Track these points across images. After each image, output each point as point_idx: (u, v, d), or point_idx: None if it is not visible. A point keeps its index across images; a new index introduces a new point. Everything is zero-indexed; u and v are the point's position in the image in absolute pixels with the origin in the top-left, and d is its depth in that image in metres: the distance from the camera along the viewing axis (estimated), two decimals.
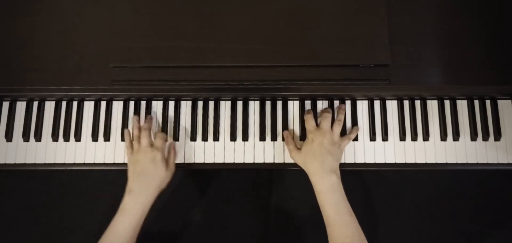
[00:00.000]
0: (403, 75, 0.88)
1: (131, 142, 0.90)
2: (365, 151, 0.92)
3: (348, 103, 0.94)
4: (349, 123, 0.93)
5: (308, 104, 0.94)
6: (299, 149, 0.88)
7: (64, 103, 0.95)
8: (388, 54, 0.86)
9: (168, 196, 0.98)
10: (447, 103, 0.94)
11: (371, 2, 0.89)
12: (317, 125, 0.90)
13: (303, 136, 0.92)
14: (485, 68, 0.88)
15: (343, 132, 0.92)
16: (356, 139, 0.92)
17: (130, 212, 0.80)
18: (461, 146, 0.92)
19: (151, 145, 0.87)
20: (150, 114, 0.94)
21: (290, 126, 0.94)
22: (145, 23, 0.89)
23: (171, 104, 0.95)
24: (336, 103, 0.94)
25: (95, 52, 0.90)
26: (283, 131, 0.92)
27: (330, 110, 0.91)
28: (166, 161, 0.87)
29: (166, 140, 0.89)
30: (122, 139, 0.93)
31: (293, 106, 0.95)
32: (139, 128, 0.90)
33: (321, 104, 0.95)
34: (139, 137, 0.88)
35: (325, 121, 0.88)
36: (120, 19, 0.89)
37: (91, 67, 0.89)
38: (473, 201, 0.98)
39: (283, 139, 0.92)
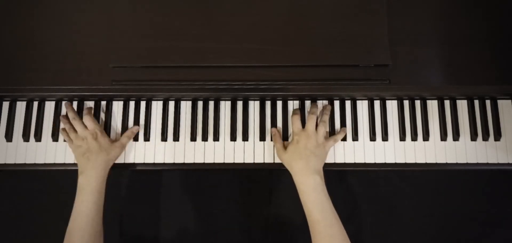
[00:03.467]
0: (403, 75, 0.88)
1: (68, 135, 0.91)
2: (365, 151, 0.92)
3: (348, 103, 0.94)
4: (349, 123, 0.93)
5: (308, 104, 0.94)
6: (285, 149, 0.88)
7: (64, 103, 0.95)
8: (388, 54, 0.87)
9: (168, 196, 0.98)
10: (447, 103, 0.94)
11: (371, 2, 0.89)
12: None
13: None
14: (485, 68, 0.88)
15: (346, 130, 0.92)
16: (356, 139, 0.92)
17: (86, 189, 0.83)
18: (461, 146, 0.92)
19: (86, 128, 0.89)
20: (151, 114, 0.94)
21: (290, 126, 0.94)
22: (145, 23, 0.89)
23: (171, 104, 0.95)
24: (336, 103, 0.94)
25: (95, 52, 0.90)
26: (271, 128, 0.92)
27: (316, 110, 0.91)
28: (114, 138, 0.90)
29: (94, 119, 0.91)
30: None
31: (293, 106, 0.95)
32: (68, 120, 0.92)
33: (321, 104, 0.95)
34: (72, 127, 0.90)
35: (310, 122, 0.88)
36: (120, 19, 0.89)
37: (91, 67, 0.89)
38: (473, 201, 0.98)
39: (272, 137, 0.92)
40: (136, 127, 0.93)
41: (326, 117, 0.91)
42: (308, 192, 0.82)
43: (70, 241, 0.79)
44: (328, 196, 0.82)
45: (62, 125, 0.93)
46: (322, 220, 0.79)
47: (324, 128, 0.89)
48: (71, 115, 0.91)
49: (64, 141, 0.93)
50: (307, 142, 0.86)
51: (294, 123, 0.90)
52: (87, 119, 0.90)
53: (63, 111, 0.94)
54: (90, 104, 0.95)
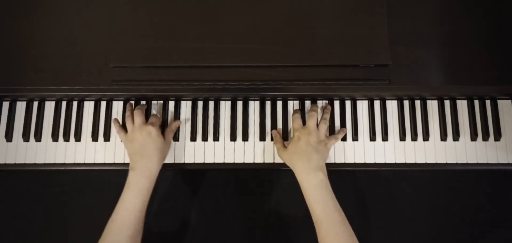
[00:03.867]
0: (403, 75, 0.88)
1: (120, 127, 0.91)
2: (365, 151, 0.92)
3: (348, 103, 0.94)
4: (349, 123, 0.93)
5: (308, 104, 0.94)
6: (286, 147, 0.88)
7: (64, 103, 0.95)
8: (388, 54, 0.87)
9: (168, 196, 0.98)
10: (447, 103, 0.94)
11: (371, 2, 0.89)
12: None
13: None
14: (485, 68, 0.88)
15: (342, 131, 0.92)
16: (356, 139, 0.92)
17: (135, 186, 0.82)
18: (461, 146, 0.92)
19: (144, 122, 0.88)
20: (152, 114, 0.94)
21: (290, 126, 0.94)
22: (145, 23, 0.89)
23: (171, 104, 0.95)
24: (336, 103, 0.94)
25: (95, 52, 0.90)
26: (271, 130, 0.92)
27: (316, 108, 0.91)
28: (163, 133, 0.89)
29: (155, 115, 0.91)
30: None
31: (293, 106, 0.95)
32: (131, 110, 0.92)
33: (321, 104, 0.95)
34: (131, 118, 0.90)
35: (311, 120, 0.88)
36: (120, 19, 0.89)
37: (91, 67, 0.89)
38: (473, 201, 0.98)
39: (272, 139, 0.92)
40: (178, 121, 0.93)
41: (327, 116, 0.91)
42: (311, 190, 0.81)
43: (111, 233, 0.78)
44: (332, 193, 0.81)
45: (127, 112, 0.92)
46: (326, 218, 0.78)
47: (325, 126, 0.89)
48: (138, 107, 0.91)
49: (65, 141, 0.93)
50: (309, 138, 0.85)
51: (295, 121, 0.90)
52: (152, 115, 0.90)
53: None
54: (90, 104, 0.95)
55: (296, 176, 0.84)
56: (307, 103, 0.95)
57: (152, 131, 0.86)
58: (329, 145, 0.88)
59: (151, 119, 0.89)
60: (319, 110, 0.92)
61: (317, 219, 0.79)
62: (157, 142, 0.86)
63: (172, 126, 0.92)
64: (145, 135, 0.86)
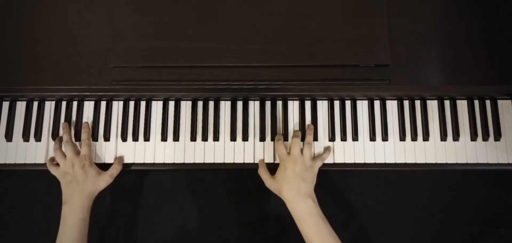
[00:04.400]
0: (403, 75, 0.88)
1: (51, 163, 0.90)
2: (365, 151, 0.92)
3: (348, 103, 0.94)
4: (349, 123, 0.93)
5: (308, 104, 0.94)
6: (273, 177, 0.88)
7: (64, 103, 0.95)
8: (388, 54, 0.87)
9: (168, 196, 0.98)
10: (447, 103, 0.94)
11: (371, 2, 0.89)
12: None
13: (301, 138, 0.92)
14: (485, 68, 0.88)
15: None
16: (356, 139, 0.92)
17: (70, 221, 0.83)
18: (461, 146, 0.92)
19: (78, 154, 0.88)
20: (151, 114, 0.94)
21: (290, 126, 0.94)
22: (145, 23, 0.89)
23: (171, 104, 0.95)
24: (336, 103, 0.94)
25: (95, 52, 0.90)
26: (259, 160, 0.91)
27: (299, 133, 0.90)
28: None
29: (90, 146, 0.90)
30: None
31: (293, 106, 0.95)
32: (60, 143, 0.91)
33: (321, 104, 0.95)
34: (60, 151, 0.89)
35: (295, 147, 0.87)
36: (120, 19, 0.89)
37: (91, 67, 0.89)
38: (473, 201, 0.98)
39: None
40: (122, 156, 0.92)
41: (310, 138, 0.90)
42: (303, 218, 0.82)
43: None
44: (324, 217, 0.82)
45: (55, 146, 0.91)
46: None
47: (309, 150, 0.88)
48: (65, 138, 0.90)
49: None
50: (295, 167, 0.85)
51: (278, 149, 0.89)
52: (84, 145, 0.89)
53: (61, 131, 0.93)
54: (90, 104, 0.95)
55: (287, 205, 0.85)
56: (308, 103, 0.94)
57: (85, 163, 0.87)
58: (315, 169, 0.88)
59: (83, 150, 0.89)
60: (300, 134, 0.91)
61: None
62: (90, 173, 0.87)
63: (117, 165, 0.89)
64: (77, 167, 0.86)
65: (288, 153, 0.88)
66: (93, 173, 0.87)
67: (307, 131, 0.91)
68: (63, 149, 0.90)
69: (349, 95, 0.94)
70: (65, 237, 0.82)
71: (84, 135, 0.91)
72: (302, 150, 0.88)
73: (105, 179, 0.88)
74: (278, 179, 0.87)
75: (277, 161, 0.91)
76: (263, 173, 0.89)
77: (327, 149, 0.91)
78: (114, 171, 0.89)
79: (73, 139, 0.92)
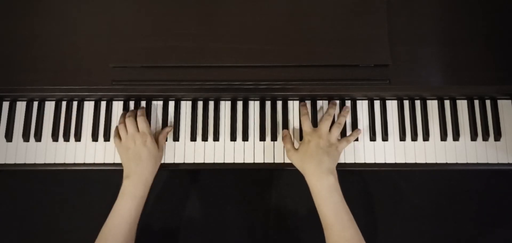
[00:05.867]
0: (403, 75, 0.88)
1: (118, 134, 0.91)
2: (365, 151, 0.92)
3: (348, 103, 0.94)
4: (349, 123, 0.93)
5: (308, 104, 0.94)
6: (296, 149, 0.88)
7: (64, 103, 0.95)
8: (388, 54, 0.86)
9: (168, 196, 0.98)
10: (447, 103, 0.94)
11: (371, 2, 0.89)
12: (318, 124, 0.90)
13: (302, 137, 0.92)
14: (485, 68, 0.88)
15: (344, 133, 0.92)
16: (356, 139, 0.92)
17: (130, 194, 0.82)
18: (461, 146, 0.92)
19: (138, 130, 0.88)
20: (150, 114, 0.94)
21: (290, 126, 0.94)
22: (145, 23, 0.89)
23: (171, 104, 0.95)
24: (337, 103, 0.94)
25: (95, 52, 0.90)
26: (282, 130, 0.92)
27: (332, 112, 0.90)
28: (156, 140, 0.90)
29: (147, 122, 0.90)
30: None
31: (293, 106, 0.95)
32: (124, 117, 0.91)
33: (321, 104, 0.95)
34: (124, 126, 0.90)
35: (325, 124, 0.88)
36: (120, 19, 0.89)
37: (91, 67, 0.89)
38: (473, 201, 0.98)
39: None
40: (170, 127, 0.93)
41: (343, 119, 0.90)
42: (322, 193, 0.80)
43: (105, 240, 0.78)
44: (343, 197, 0.80)
45: (120, 119, 0.92)
46: (337, 222, 0.77)
47: (338, 130, 0.88)
48: (129, 114, 0.91)
49: (65, 141, 0.93)
50: (319, 140, 0.84)
51: (304, 123, 0.89)
52: (141, 121, 0.89)
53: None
54: (90, 104, 0.95)
55: (306, 179, 0.83)
56: (307, 103, 0.94)
57: (147, 139, 0.86)
58: (340, 148, 0.87)
59: (141, 126, 0.88)
60: (336, 109, 0.91)
61: (328, 223, 0.78)
62: (152, 150, 0.86)
63: (164, 132, 0.92)
64: (139, 143, 0.86)
65: (314, 128, 0.88)
66: (154, 149, 0.87)
67: (342, 112, 0.91)
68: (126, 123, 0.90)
69: (349, 95, 0.94)
70: (122, 211, 0.80)
71: (139, 112, 0.91)
72: (330, 128, 0.88)
73: (161, 155, 0.89)
74: (300, 151, 0.86)
75: (277, 161, 0.91)
76: (287, 143, 0.89)
77: (354, 131, 0.91)
78: (164, 143, 0.91)
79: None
